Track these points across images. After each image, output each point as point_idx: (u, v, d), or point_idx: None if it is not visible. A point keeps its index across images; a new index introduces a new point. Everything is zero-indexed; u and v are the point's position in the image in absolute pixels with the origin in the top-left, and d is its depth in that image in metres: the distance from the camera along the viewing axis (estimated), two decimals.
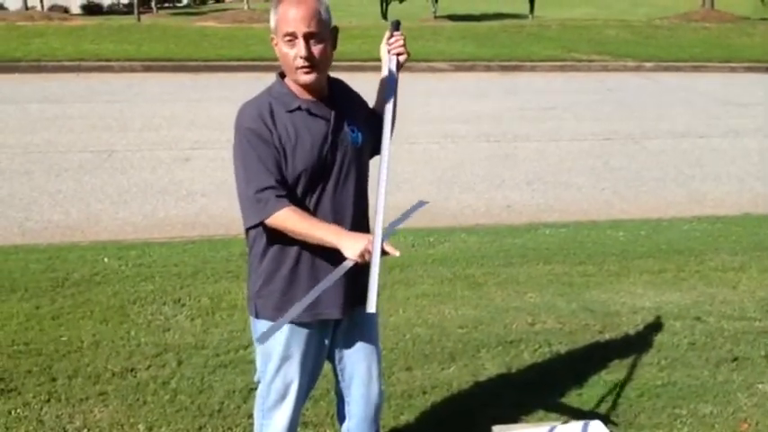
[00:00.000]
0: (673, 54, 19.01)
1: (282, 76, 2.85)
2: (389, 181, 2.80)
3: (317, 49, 2.71)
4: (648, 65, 18.01)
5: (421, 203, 2.98)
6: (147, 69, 15.28)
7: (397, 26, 3.04)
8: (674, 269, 6.36)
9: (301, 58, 2.69)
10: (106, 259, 6.16)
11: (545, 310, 5.43)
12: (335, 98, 2.87)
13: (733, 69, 18.10)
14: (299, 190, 2.78)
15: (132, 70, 15.19)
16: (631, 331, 5.06)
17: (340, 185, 2.85)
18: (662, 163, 10.12)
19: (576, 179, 9.47)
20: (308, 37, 2.68)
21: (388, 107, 2.92)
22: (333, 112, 2.81)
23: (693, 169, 9.85)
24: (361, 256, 2.64)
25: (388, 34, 3.02)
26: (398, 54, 2.99)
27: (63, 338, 4.75)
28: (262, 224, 2.73)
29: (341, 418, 3.23)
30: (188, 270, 6.01)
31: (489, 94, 14.84)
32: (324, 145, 2.78)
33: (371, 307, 2.67)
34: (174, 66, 15.54)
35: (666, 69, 17.69)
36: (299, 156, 2.74)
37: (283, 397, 3.01)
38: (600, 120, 12.18)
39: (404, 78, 3.01)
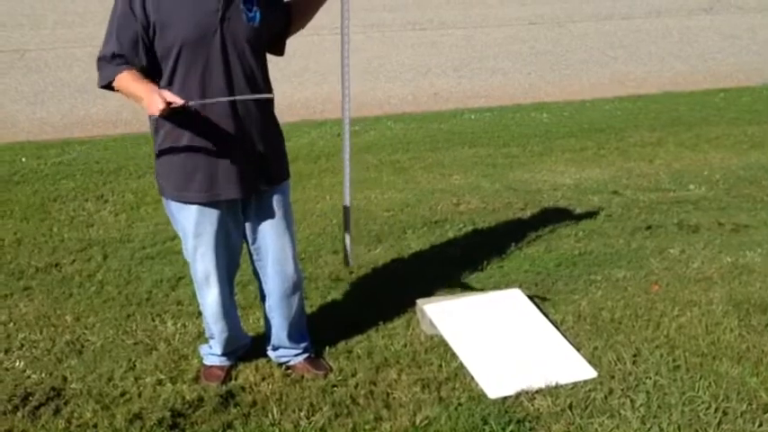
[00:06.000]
0: None
1: None
2: None
3: None
4: None
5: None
6: None
7: None
8: (594, 147, 6.52)
9: None
10: (24, 159, 6.00)
11: (469, 190, 5.53)
12: None
13: None
14: (183, 62, 2.74)
15: None
16: (552, 207, 5.21)
17: (231, 62, 2.80)
18: (586, 45, 10.20)
19: (502, 64, 9.50)
20: None
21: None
22: None
23: (616, 51, 9.96)
24: (149, 107, 2.65)
25: None
26: None
27: None
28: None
29: (262, 297, 3.30)
30: (110, 167, 5.91)
31: None
32: (209, 18, 2.73)
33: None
34: None
35: None
36: (178, 26, 2.70)
37: (207, 276, 3.07)
38: (525, 4, 12.13)
39: None
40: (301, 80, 8.62)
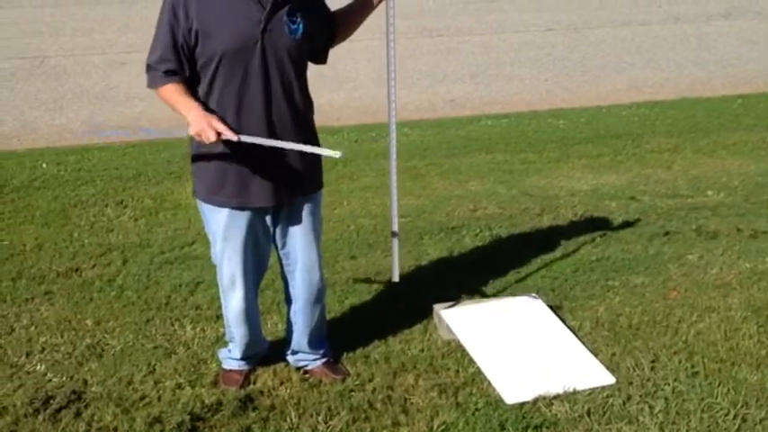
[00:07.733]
0: None
1: None
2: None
3: None
4: None
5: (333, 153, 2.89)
6: None
7: None
8: (611, 153, 6.51)
9: None
10: (45, 165, 6.07)
11: (486, 196, 5.54)
12: None
13: None
14: (222, 71, 2.78)
15: None
16: (569, 213, 5.20)
17: (270, 73, 2.84)
18: (603, 52, 10.18)
19: (518, 71, 9.50)
20: None
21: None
22: None
23: (634, 57, 9.93)
24: (198, 134, 2.73)
25: None
26: None
27: (4, 243, 4.73)
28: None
29: (288, 300, 3.33)
30: (129, 173, 5.96)
31: None
32: (251, 28, 2.77)
33: (395, 277, 3.52)
34: None
35: None
36: (220, 36, 2.74)
37: (233, 279, 3.10)
38: (542, 11, 12.12)
39: None
40: (317, 87, 8.61)
